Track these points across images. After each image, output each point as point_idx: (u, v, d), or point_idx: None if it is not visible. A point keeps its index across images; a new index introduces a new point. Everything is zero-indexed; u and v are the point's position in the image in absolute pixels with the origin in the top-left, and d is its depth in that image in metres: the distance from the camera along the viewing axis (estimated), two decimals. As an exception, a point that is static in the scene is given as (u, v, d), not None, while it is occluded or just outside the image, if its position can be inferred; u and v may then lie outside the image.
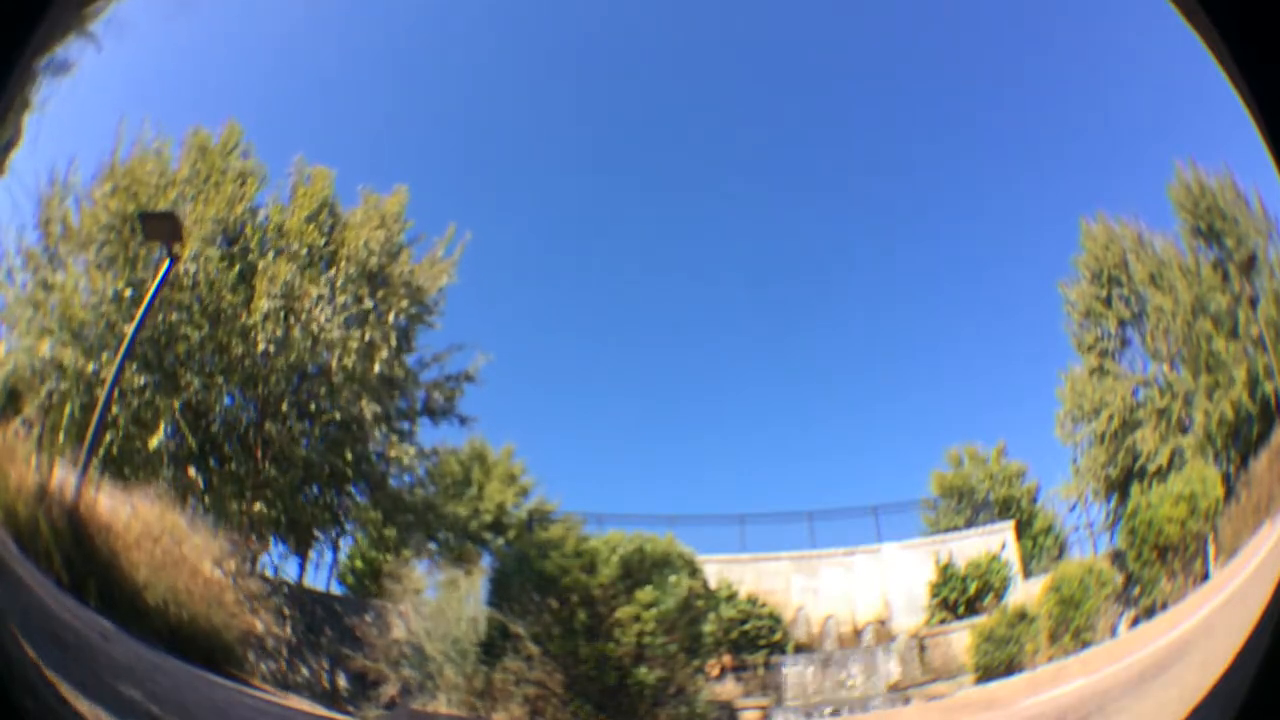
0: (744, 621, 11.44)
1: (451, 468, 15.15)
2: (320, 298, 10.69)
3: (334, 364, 10.51)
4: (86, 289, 9.77)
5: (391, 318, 11.17)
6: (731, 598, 11.70)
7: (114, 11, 8.79)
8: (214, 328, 10.16)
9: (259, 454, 10.17)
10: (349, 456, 10.66)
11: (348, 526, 11.60)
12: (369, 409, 10.56)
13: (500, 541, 14.52)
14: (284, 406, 10.41)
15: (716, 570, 11.60)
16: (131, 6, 10.28)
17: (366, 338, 10.77)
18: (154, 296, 8.75)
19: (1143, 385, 11.08)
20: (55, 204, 10.28)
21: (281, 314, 10.43)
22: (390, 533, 11.69)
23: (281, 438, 10.28)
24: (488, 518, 15.49)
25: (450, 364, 11.89)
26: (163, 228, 8.91)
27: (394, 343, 11.06)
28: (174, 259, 8.75)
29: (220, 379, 10.18)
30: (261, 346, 10.24)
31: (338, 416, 10.59)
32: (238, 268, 10.77)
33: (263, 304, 10.37)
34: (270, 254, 11.06)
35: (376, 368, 10.66)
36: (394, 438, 11.21)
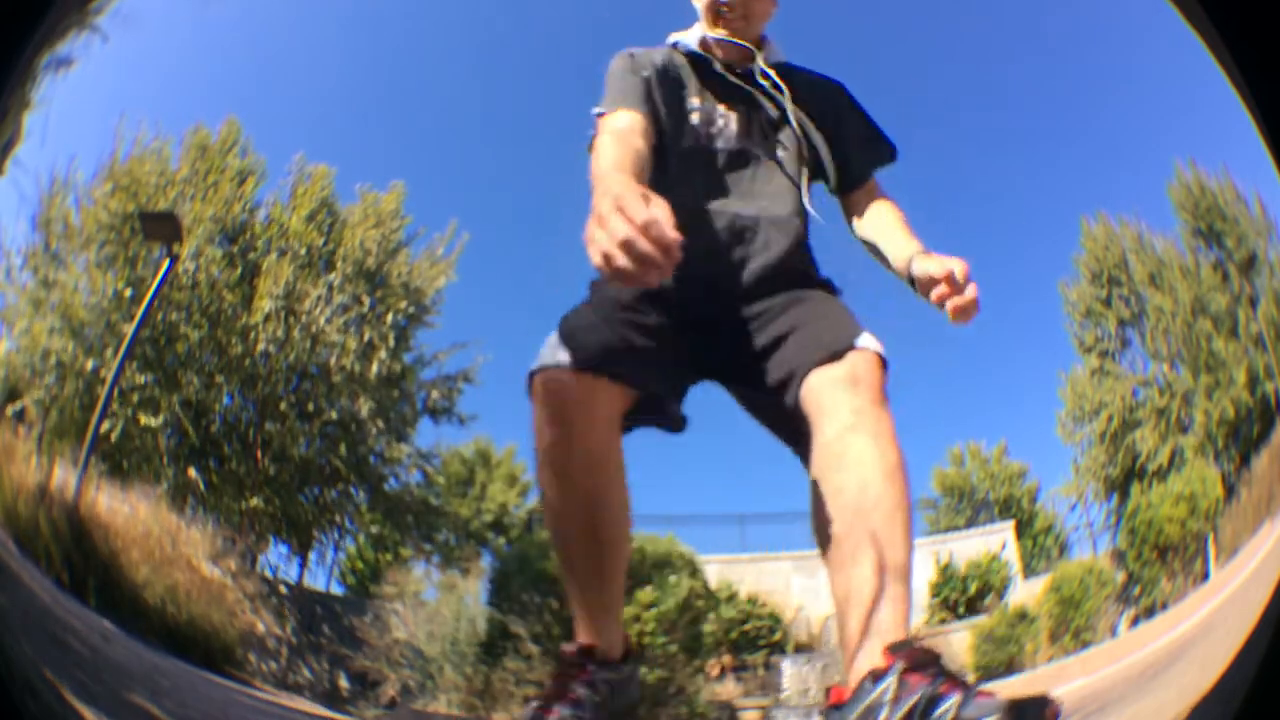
0: (744, 621, 11.45)
1: (454, 467, 15.15)
2: (320, 298, 10.67)
3: (333, 364, 10.50)
4: (87, 288, 9.78)
5: (390, 317, 11.17)
6: (731, 598, 11.71)
7: (117, 7, 8.81)
8: (213, 328, 10.16)
9: (259, 454, 10.15)
10: (347, 456, 10.62)
11: (349, 526, 11.59)
12: (367, 408, 10.51)
13: (501, 541, 14.54)
14: (283, 406, 10.41)
15: (716, 570, 11.60)
16: (134, 2, 10.29)
17: (365, 338, 10.75)
18: (154, 296, 8.74)
19: (1143, 385, 11.09)
20: (56, 203, 10.29)
21: (281, 314, 10.42)
22: (390, 533, 11.68)
23: (281, 437, 10.26)
24: (489, 517, 15.49)
25: (449, 363, 11.90)
26: (162, 228, 8.91)
27: (392, 342, 11.06)
28: (174, 259, 8.76)
29: (220, 378, 10.17)
30: (261, 346, 10.24)
31: (336, 416, 10.56)
32: (239, 268, 10.76)
33: (264, 304, 10.38)
34: (273, 254, 11.08)
35: (375, 367, 10.61)
36: (393, 438, 11.15)
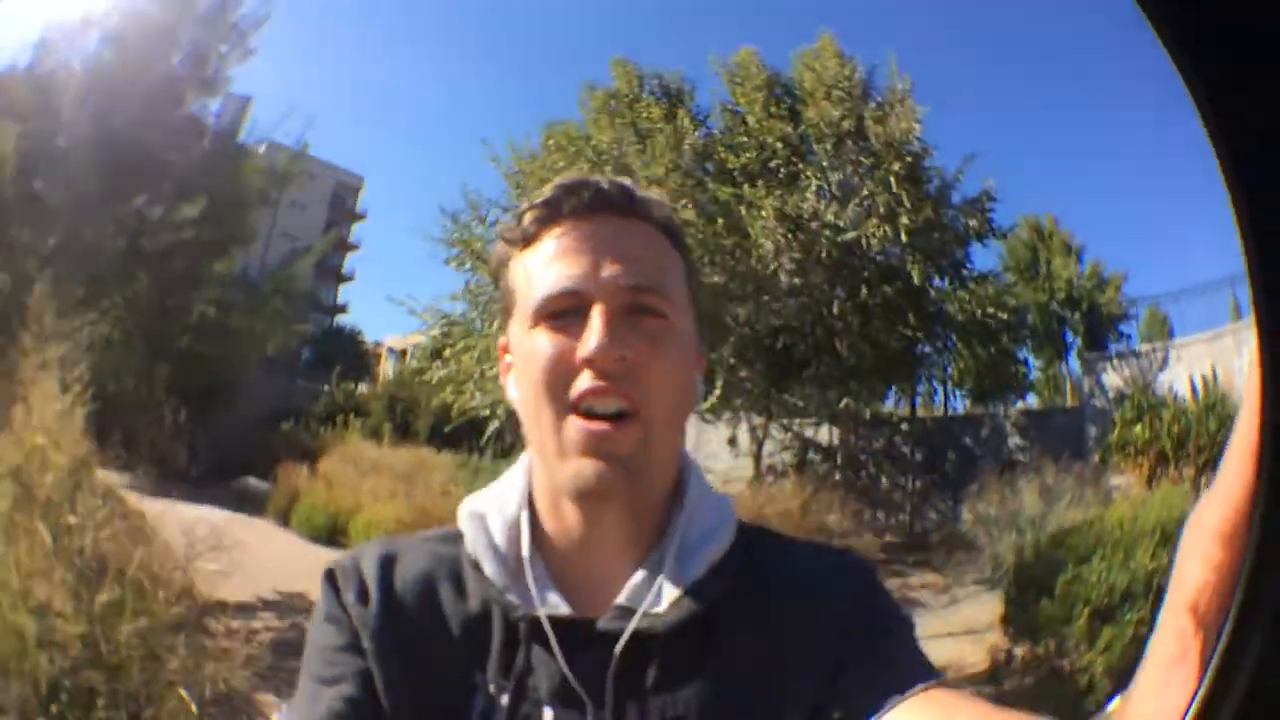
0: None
1: (1020, 253, 16.02)
2: (820, 186, 10.70)
3: (865, 242, 10.53)
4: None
5: (888, 170, 10.67)
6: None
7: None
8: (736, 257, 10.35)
9: (841, 346, 10.82)
10: (914, 320, 10.87)
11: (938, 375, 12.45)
12: (914, 265, 10.54)
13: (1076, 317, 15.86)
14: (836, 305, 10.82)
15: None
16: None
17: (880, 205, 10.57)
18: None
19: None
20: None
21: (797, 210, 10.36)
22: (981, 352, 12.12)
23: (850, 326, 10.77)
24: (1061, 295, 16.33)
25: (966, 184, 11.33)
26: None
27: (908, 201, 10.54)
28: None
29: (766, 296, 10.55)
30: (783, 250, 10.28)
31: (889, 291, 10.78)
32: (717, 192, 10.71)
33: (768, 204, 10.19)
34: (749, 153, 10.98)
35: (905, 223, 10.41)
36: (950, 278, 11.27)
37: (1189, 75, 0.35)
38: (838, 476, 11.33)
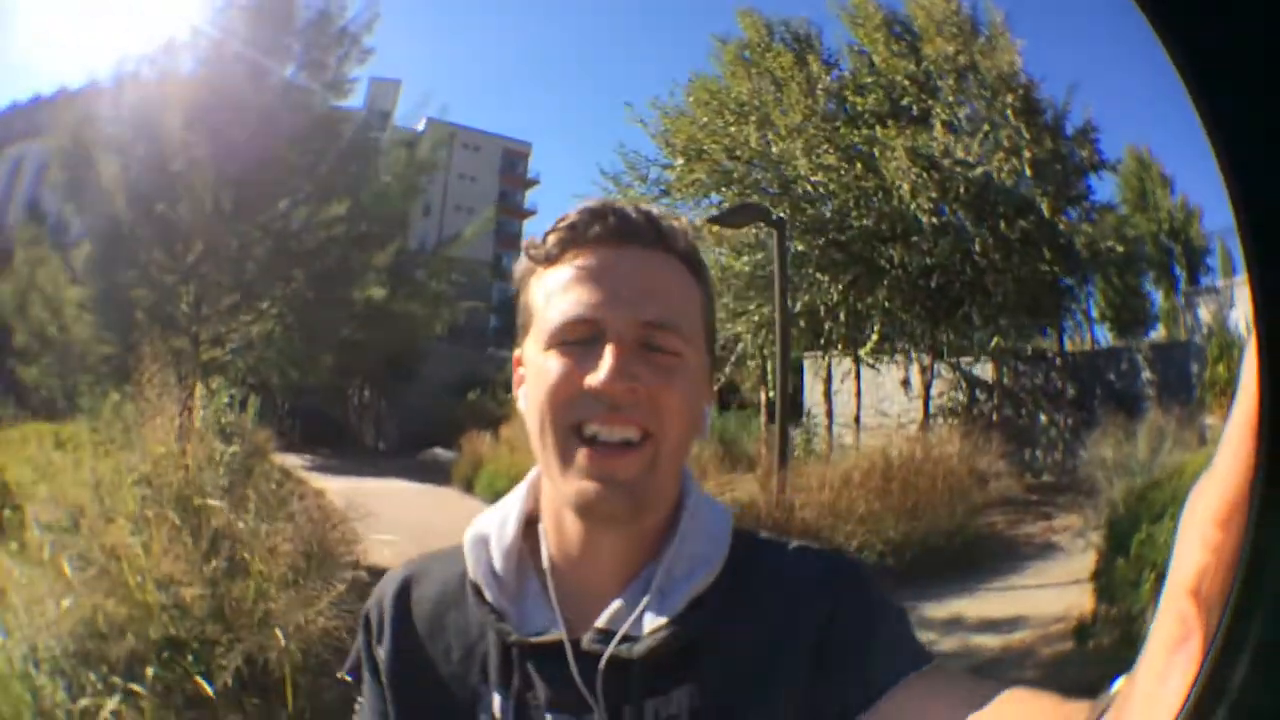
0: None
1: (1130, 182, 16.19)
2: (946, 121, 10.69)
3: (995, 176, 10.49)
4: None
5: (1004, 104, 10.66)
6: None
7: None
8: (872, 201, 10.55)
9: (989, 283, 10.87)
10: (1049, 254, 10.83)
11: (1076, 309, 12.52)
12: (1043, 199, 10.48)
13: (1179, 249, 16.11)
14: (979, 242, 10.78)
15: None
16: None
17: (1003, 140, 10.53)
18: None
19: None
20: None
21: (925, 149, 10.44)
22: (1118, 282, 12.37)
23: (994, 263, 10.78)
24: (1166, 226, 16.70)
25: (1073, 113, 11.32)
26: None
27: (1026, 132, 10.56)
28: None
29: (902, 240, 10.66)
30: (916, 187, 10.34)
31: (1024, 224, 10.69)
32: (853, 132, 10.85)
33: (899, 145, 10.39)
34: (875, 95, 11.11)
35: (1029, 156, 10.37)
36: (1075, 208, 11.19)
37: (1189, 80, 0.34)
38: (995, 417, 11.33)
